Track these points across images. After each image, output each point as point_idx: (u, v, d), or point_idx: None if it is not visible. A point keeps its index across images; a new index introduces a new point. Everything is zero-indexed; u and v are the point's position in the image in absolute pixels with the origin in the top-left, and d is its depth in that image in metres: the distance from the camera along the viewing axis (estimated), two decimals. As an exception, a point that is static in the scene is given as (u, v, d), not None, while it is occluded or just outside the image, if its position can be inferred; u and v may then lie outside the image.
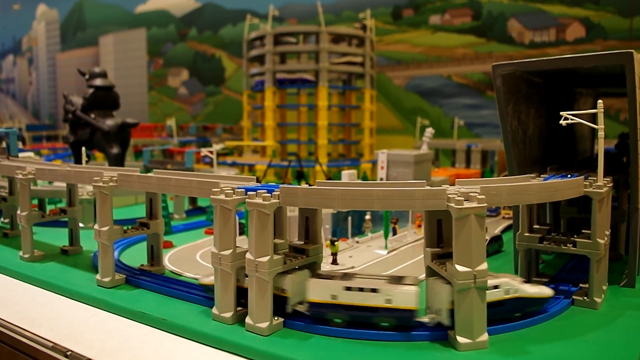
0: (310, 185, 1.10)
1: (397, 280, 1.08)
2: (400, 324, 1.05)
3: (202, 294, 1.26)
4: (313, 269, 1.19)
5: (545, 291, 1.13)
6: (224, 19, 5.23)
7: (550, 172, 1.43)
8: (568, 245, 1.25)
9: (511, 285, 1.09)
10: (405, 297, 1.03)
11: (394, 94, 4.13)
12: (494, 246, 1.74)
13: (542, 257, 1.58)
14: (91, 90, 2.61)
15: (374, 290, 1.05)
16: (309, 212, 1.21)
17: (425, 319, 1.07)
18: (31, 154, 3.21)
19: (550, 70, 1.44)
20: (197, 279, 1.34)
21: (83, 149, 2.26)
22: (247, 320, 1.08)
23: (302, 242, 1.21)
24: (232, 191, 1.10)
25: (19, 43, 7.94)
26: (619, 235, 1.59)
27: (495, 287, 1.07)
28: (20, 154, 3.08)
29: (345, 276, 1.11)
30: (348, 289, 1.06)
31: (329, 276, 1.11)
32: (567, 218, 1.61)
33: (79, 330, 1.15)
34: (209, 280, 1.23)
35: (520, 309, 1.11)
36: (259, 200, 1.06)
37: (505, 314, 1.09)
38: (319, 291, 1.08)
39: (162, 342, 1.10)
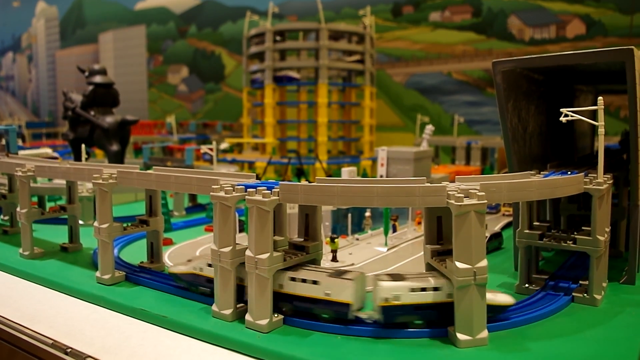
0: (310, 183, 1.09)
1: (340, 274, 1.08)
2: (338, 316, 1.06)
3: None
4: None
5: (500, 299, 1.07)
6: (223, 16, 5.22)
7: (551, 169, 1.43)
8: (568, 242, 1.25)
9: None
10: (341, 290, 1.05)
11: (394, 91, 4.13)
12: (494, 243, 1.74)
13: (542, 254, 1.58)
14: (91, 88, 2.61)
15: (314, 282, 1.07)
16: (309, 209, 1.20)
17: (363, 315, 1.07)
18: (48, 149, 3.23)
19: (550, 67, 1.44)
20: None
21: (83, 146, 2.26)
22: (247, 317, 1.08)
23: (302, 239, 1.21)
24: (231, 188, 1.10)
25: (19, 40, 7.93)
26: (619, 232, 1.59)
27: (436, 288, 1.04)
28: (39, 150, 3.10)
29: (294, 267, 1.13)
30: (292, 279, 1.09)
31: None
32: (567, 215, 1.61)
33: (78, 327, 1.15)
34: (178, 269, 1.26)
35: None
36: (258, 197, 1.06)
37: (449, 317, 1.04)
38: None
39: (162, 339, 1.10)
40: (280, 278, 1.10)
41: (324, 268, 1.14)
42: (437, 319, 1.04)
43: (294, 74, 3.30)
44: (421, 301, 1.03)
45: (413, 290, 1.03)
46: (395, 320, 1.04)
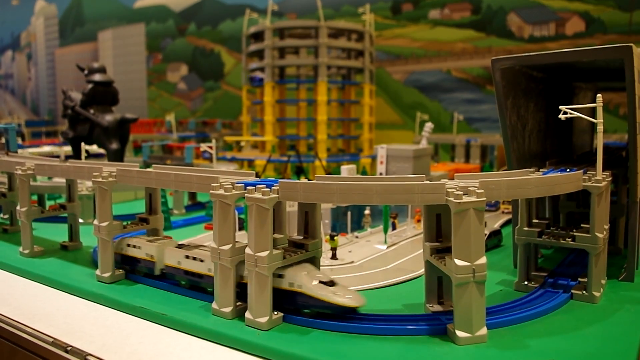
0: (309, 180, 1.10)
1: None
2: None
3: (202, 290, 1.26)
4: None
5: (340, 299, 1.06)
6: (223, 14, 5.22)
7: (550, 166, 1.43)
8: (567, 239, 1.25)
9: (296, 278, 1.09)
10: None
11: (393, 88, 4.12)
12: (493, 240, 1.74)
13: (541, 252, 1.58)
14: (90, 86, 2.60)
15: (201, 260, 1.23)
16: (309, 207, 1.21)
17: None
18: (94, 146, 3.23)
19: (549, 64, 1.44)
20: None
21: (82, 144, 2.26)
22: (247, 314, 1.09)
23: (302, 237, 1.21)
24: (231, 186, 1.10)
25: (18, 38, 7.92)
26: (617, 229, 1.59)
27: (280, 275, 1.10)
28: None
29: (190, 247, 1.32)
30: (187, 257, 1.26)
31: (180, 246, 1.34)
32: (566, 212, 1.61)
33: (79, 325, 1.16)
34: None
35: (307, 305, 1.08)
36: (258, 195, 1.06)
37: (292, 306, 1.09)
38: (171, 257, 1.30)
39: (162, 337, 1.10)
40: (178, 256, 1.28)
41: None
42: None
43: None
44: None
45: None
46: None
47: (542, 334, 1.04)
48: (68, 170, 1.55)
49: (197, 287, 1.25)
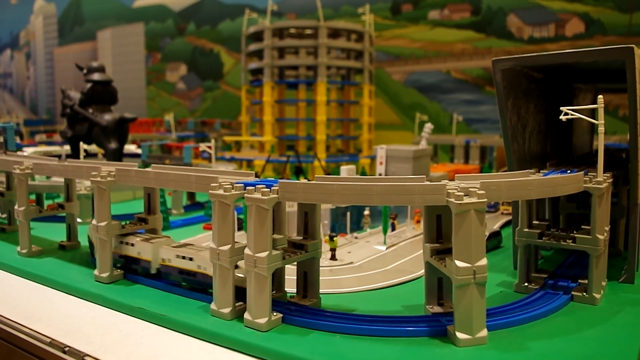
0: (309, 181, 1.09)
1: (149, 239, 1.36)
2: (144, 272, 1.34)
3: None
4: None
5: None
6: (222, 14, 5.22)
7: (550, 167, 1.43)
8: (567, 241, 1.25)
9: (202, 262, 1.22)
10: (145, 251, 1.34)
11: (393, 89, 4.12)
12: (493, 242, 1.74)
13: (541, 253, 1.58)
14: (89, 85, 2.60)
15: (132, 245, 1.36)
16: (308, 208, 1.20)
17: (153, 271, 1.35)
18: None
19: (550, 65, 1.44)
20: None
21: (81, 143, 2.25)
22: (246, 315, 1.08)
23: (301, 238, 1.21)
24: (230, 186, 1.10)
25: (17, 37, 7.91)
26: (618, 231, 1.59)
27: (191, 258, 1.24)
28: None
29: (129, 235, 1.41)
30: (121, 242, 1.39)
31: (124, 234, 1.42)
32: (566, 214, 1.61)
33: (77, 325, 1.15)
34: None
35: (209, 285, 1.18)
36: (257, 195, 1.06)
37: (198, 286, 1.24)
38: (114, 244, 1.40)
39: (161, 337, 1.09)
40: (117, 242, 1.40)
41: (147, 235, 1.42)
42: (197, 286, 1.25)
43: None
44: (180, 266, 1.27)
45: (177, 256, 1.28)
46: (169, 278, 1.30)
47: (543, 336, 1.04)
48: (66, 169, 1.54)
49: (130, 268, 1.38)
